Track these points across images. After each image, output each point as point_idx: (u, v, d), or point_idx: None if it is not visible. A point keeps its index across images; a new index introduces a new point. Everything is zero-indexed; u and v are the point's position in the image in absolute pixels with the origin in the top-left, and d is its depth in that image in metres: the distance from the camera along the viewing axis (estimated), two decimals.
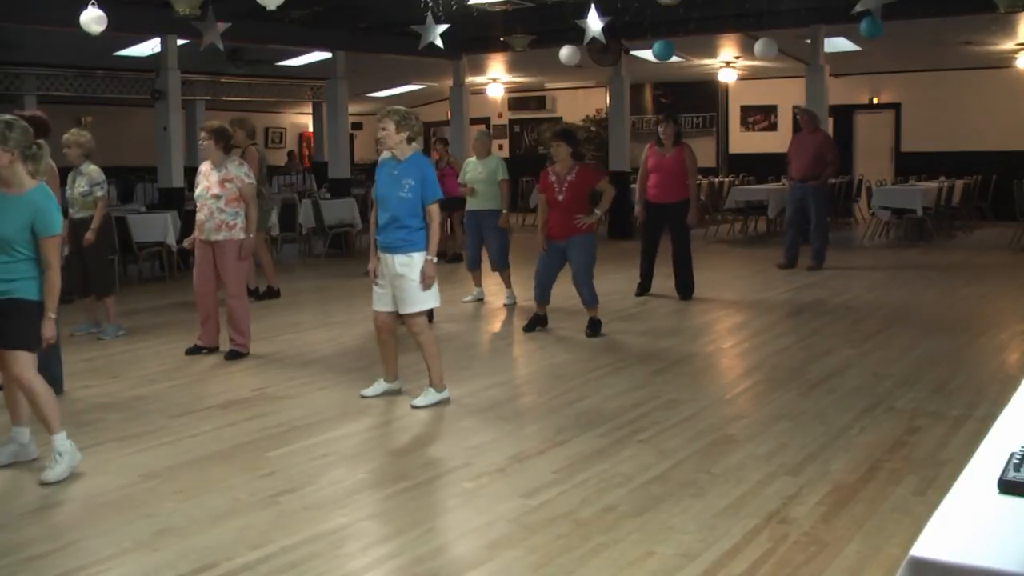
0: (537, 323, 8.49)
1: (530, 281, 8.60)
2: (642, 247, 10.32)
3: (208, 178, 7.47)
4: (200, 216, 7.49)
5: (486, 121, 22.78)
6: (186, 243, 7.89)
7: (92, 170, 8.17)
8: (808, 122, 12.36)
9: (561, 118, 22.10)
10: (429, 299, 6.07)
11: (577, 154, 8.21)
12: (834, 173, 12.48)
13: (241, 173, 7.49)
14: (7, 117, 4.73)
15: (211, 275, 7.53)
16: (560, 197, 8.04)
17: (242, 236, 7.46)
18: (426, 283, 5.95)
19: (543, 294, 8.42)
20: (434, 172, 6.12)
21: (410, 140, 6.01)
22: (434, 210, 5.98)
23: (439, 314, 9.29)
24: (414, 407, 6.09)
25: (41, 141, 4.85)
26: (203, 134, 7.53)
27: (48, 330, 4.78)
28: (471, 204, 9.88)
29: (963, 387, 6.41)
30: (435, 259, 5.99)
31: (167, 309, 9.51)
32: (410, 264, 5.94)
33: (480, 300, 10.16)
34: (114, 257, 10.68)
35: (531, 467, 4.96)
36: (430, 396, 6.16)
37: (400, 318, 6.19)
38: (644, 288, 10.29)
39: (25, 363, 4.77)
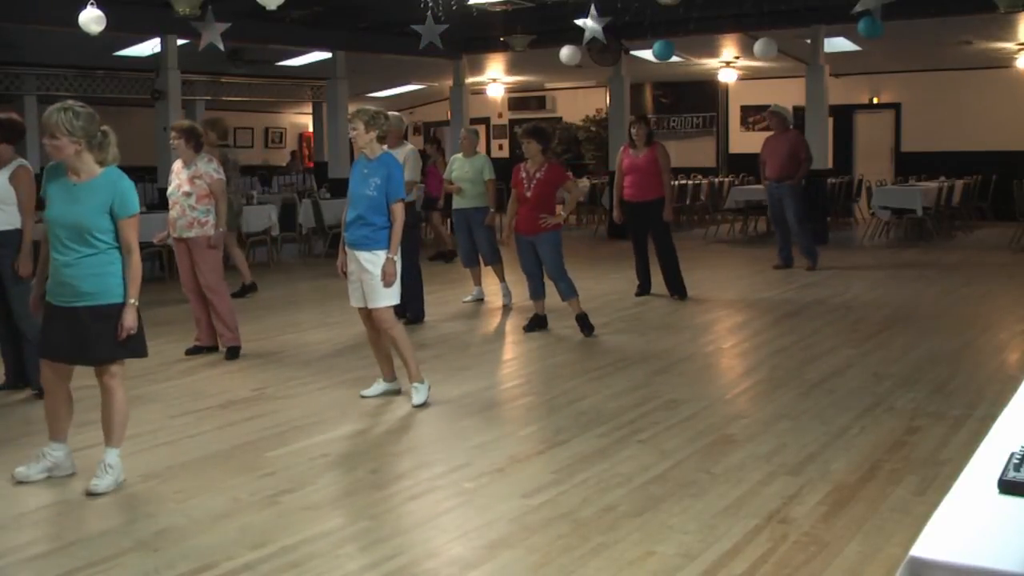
0: (537, 324, 8.50)
1: (525, 282, 8.61)
2: (633, 248, 10.35)
3: (179, 176, 7.54)
4: (172, 214, 7.54)
5: (486, 121, 22.77)
6: (156, 239, 7.96)
7: None
8: (778, 123, 12.23)
9: (561, 118, 22.11)
10: (392, 296, 6.10)
11: (548, 152, 8.36)
12: (808, 171, 12.38)
13: (210, 169, 7.53)
14: (74, 105, 4.51)
15: (192, 272, 7.58)
16: (528, 193, 8.17)
17: (212, 233, 7.50)
18: (387, 281, 6.00)
19: (535, 287, 8.46)
20: (401, 172, 6.14)
21: (380, 139, 6.10)
22: (397, 209, 6.02)
23: (438, 314, 9.31)
24: (415, 407, 6.10)
25: (106, 128, 4.61)
26: (173, 133, 7.62)
27: (129, 318, 4.54)
28: (458, 203, 9.88)
29: (963, 387, 6.41)
30: (396, 258, 6.02)
31: (166, 309, 9.49)
32: (374, 261, 6.01)
33: (480, 300, 10.16)
34: None
35: (531, 467, 4.96)
36: (420, 391, 6.18)
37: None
38: (644, 289, 10.28)
39: (115, 370, 4.67)
